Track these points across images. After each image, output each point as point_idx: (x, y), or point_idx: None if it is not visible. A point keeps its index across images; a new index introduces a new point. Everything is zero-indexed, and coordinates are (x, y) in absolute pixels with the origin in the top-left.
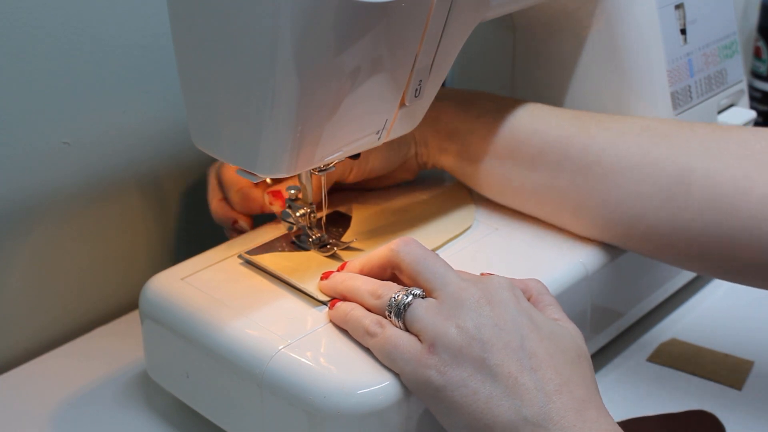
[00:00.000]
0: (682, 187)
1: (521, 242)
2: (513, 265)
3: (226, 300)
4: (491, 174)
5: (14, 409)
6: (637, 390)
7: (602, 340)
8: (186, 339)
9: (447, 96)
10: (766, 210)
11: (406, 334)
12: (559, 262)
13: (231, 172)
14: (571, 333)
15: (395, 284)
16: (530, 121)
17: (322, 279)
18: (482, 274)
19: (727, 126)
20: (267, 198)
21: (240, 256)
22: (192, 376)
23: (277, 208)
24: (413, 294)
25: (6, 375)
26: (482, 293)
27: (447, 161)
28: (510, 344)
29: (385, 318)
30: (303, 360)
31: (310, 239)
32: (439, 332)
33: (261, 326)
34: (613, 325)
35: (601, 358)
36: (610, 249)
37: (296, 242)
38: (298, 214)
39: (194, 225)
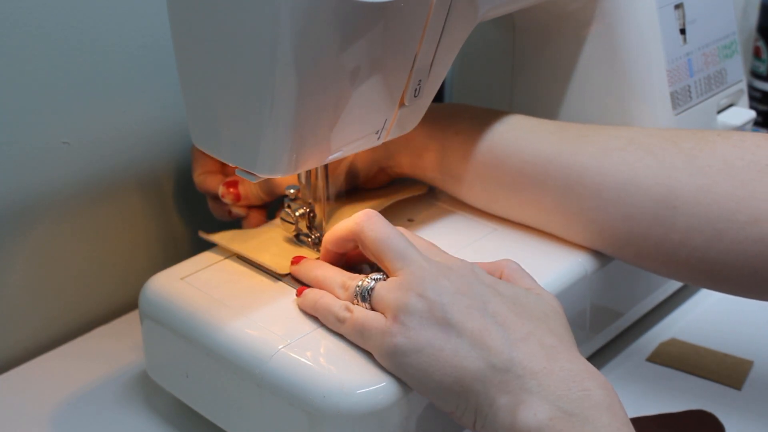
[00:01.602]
0: (668, 211)
1: (520, 242)
2: None
3: (226, 300)
4: (474, 191)
5: (14, 409)
6: (636, 390)
7: (602, 340)
8: (186, 339)
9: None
10: (751, 233)
11: (372, 312)
12: (558, 262)
13: (198, 153)
14: (543, 298)
15: (360, 275)
16: (510, 138)
17: (292, 264)
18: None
19: (712, 137)
20: (221, 189)
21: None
22: (192, 376)
23: (229, 199)
24: (374, 279)
25: (6, 375)
26: (441, 269)
27: (424, 176)
28: (472, 306)
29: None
30: (302, 360)
31: (310, 239)
32: (400, 303)
33: (260, 326)
34: (612, 324)
35: (600, 358)
36: None
37: (295, 241)
38: (297, 213)
39: (194, 225)
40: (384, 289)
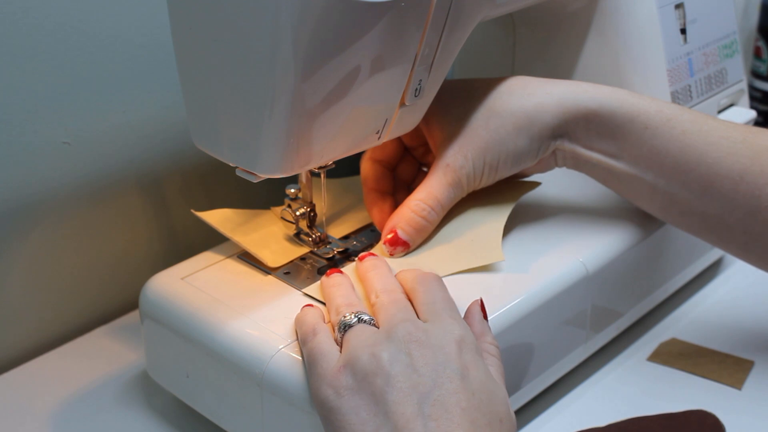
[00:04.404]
0: None
1: (521, 241)
2: (513, 265)
3: (226, 300)
4: (655, 191)
5: (14, 409)
6: (637, 389)
7: (602, 339)
8: (186, 339)
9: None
10: None
11: (330, 347)
12: (559, 262)
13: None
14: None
15: (361, 306)
16: (701, 141)
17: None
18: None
19: None
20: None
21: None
22: (192, 376)
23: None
24: (359, 318)
25: (6, 375)
26: (419, 332)
27: (597, 167)
28: (417, 387)
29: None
30: (303, 360)
31: (310, 238)
32: (353, 355)
33: (261, 326)
34: (613, 324)
35: (601, 357)
36: (611, 248)
37: (296, 240)
38: (297, 213)
39: (194, 225)
40: (358, 330)
